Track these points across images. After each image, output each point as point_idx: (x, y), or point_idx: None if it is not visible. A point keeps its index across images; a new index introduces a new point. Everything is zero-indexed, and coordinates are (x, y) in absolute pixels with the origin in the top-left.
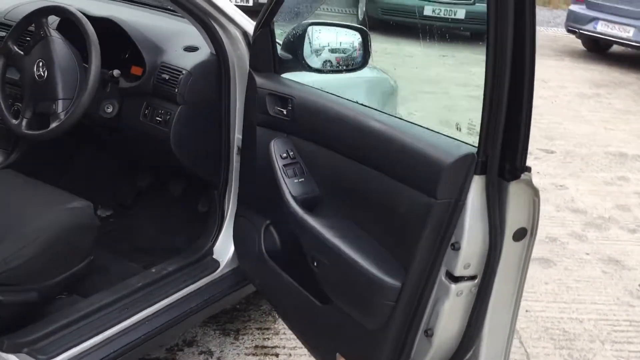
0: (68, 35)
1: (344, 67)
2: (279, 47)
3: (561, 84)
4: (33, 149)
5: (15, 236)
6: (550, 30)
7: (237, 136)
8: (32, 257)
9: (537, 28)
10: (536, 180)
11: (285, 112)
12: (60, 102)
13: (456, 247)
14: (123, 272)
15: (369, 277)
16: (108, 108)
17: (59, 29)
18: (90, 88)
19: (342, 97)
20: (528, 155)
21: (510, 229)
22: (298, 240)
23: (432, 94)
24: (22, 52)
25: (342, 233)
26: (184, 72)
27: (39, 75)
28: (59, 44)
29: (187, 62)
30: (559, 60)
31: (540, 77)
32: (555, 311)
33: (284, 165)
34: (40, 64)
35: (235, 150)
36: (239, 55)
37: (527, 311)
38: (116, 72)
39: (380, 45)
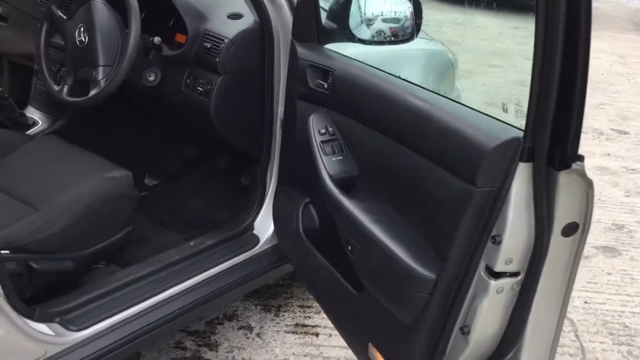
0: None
1: (395, 39)
2: (323, 16)
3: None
4: (79, 116)
5: (52, 204)
6: (632, 3)
7: (280, 109)
8: (68, 226)
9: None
10: (606, 163)
11: (325, 86)
12: (100, 69)
13: (497, 241)
14: (163, 244)
15: (403, 266)
16: (150, 76)
17: None
18: (130, 55)
19: (384, 71)
20: (599, 136)
21: (559, 223)
22: (334, 222)
23: (500, 67)
24: (65, 17)
25: (377, 217)
26: (225, 40)
27: (80, 41)
28: (100, 8)
29: (230, 30)
30: (638, 35)
31: (618, 53)
32: (616, 304)
33: (322, 142)
34: (82, 28)
35: (278, 123)
36: (284, 24)
37: (586, 302)
38: (157, 39)
39: (450, 15)
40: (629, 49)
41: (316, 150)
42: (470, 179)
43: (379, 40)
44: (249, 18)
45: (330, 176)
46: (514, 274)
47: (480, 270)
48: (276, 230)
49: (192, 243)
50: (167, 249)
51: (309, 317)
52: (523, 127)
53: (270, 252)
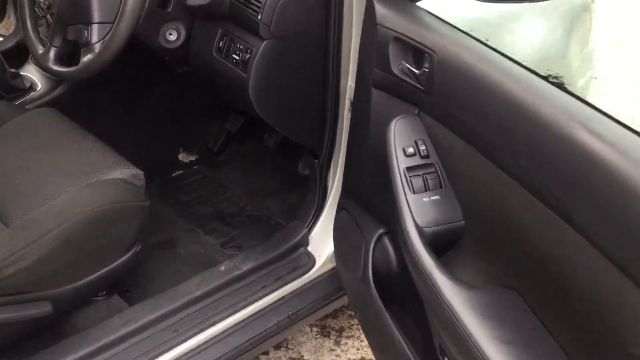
0: None
1: None
2: None
3: None
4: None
5: (30, 221)
6: None
7: (349, 85)
8: (50, 253)
9: None
10: None
11: (419, 75)
12: (94, 28)
13: None
14: (190, 253)
15: None
16: (171, 35)
17: None
18: (133, 5)
19: (530, 70)
20: None
21: None
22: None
23: None
24: None
25: (496, 320)
26: None
27: None
28: None
29: None
30: None
31: None
32: None
33: (409, 169)
34: None
35: (346, 105)
36: None
37: None
38: None
39: None
40: None
41: (398, 180)
42: None
43: None
44: None
45: (419, 229)
46: None
47: None
48: (337, 261)
49: (222, 268)
50: (194, 261)
51: None
52: None
53: (329, 278)
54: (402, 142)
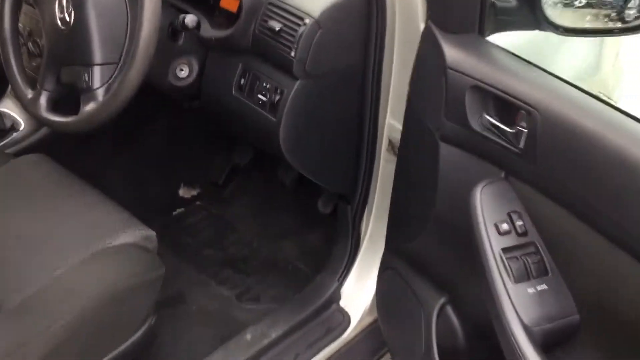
0: None
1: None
2: None
3: None
4: None
5: (26, 305)
6: None
7: (388, 122)
8: (54, 349)
9: None
10: None
11: (510, 134)
12: (96, 71)
13: None
14: (206, 306)
15: None
16: (182, 70)
17: None
18: (146, 45)
19: None
20: None
21: None
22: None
23: None
24: None
25: None
26: (307, 20)
27: (63, 21)
28: None
29: (312, 1)
30: None
31: None
32: None
33: (506, 250)
34: (64, 1)
35: (384, 144)
36: None
37: None
38: (190, 19)
39: None
40: None
41: (494, 265)
42: None
43: (601, 28)
44: None
45: (527, 329)
46: None
47: None
48: (383, 327)
49: (248, 337)
50: (210, 320)
51: None
52: None
53: (366, 338)
54: (492, 215)
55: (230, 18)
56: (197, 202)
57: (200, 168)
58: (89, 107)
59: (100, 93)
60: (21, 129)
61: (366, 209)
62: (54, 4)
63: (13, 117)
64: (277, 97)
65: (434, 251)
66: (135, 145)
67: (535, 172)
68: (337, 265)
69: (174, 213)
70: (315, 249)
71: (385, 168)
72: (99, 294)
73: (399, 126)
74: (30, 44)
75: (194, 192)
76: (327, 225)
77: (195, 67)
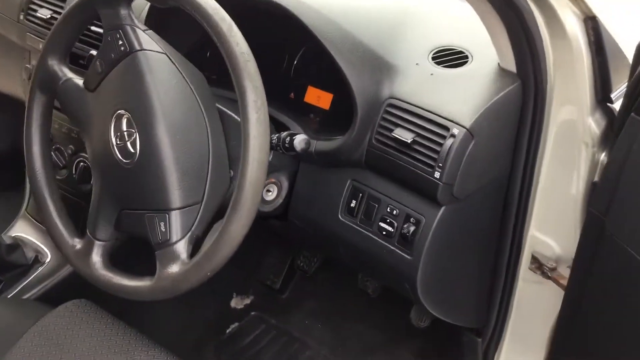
0: (174, 41)
1: None
2: None
3: None
4: None
5: None
6: None
7: (532, 234)
8: None
9: None
10: None
11: None
12: (174, 217)
13: None
14: None
15: None
16: (269, 192)
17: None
18: (254, 189)
19: None
20: None
21: None
22: None
23: None
24: (81, 84)
25: None
26: (454, 131)
27: (124, 151)
28: (162, 66)
29: (458, 107)
30: None
31: None
32: None
33: None
34: (124, 124)
35: (524, 262)
36: (571, 86)
37: None
38: (299, 142)
39: None
40: None
41: None
42: None
43: None
44: (486, 63)
45: None
46: None
47: None
48: None
49: None
50: None
51: None
52: None
53: None
54: None
55: (318, 114)
56: (252, 313)
57: (250, 270)
58: (172, 269)
59: (182, 248)
60: (47, 260)
61: (499, 346)
62: (109, 126)
63: (35, 245)
64: (412, 228)
65: None
66: None
67: None
68: None
69: (228, 331)
70: None
71: (523, 290)
72: None
73: (545, 238)
74: (53, 154)
75: (247, 301)
76: (423, 341)
77: (285, 185)
